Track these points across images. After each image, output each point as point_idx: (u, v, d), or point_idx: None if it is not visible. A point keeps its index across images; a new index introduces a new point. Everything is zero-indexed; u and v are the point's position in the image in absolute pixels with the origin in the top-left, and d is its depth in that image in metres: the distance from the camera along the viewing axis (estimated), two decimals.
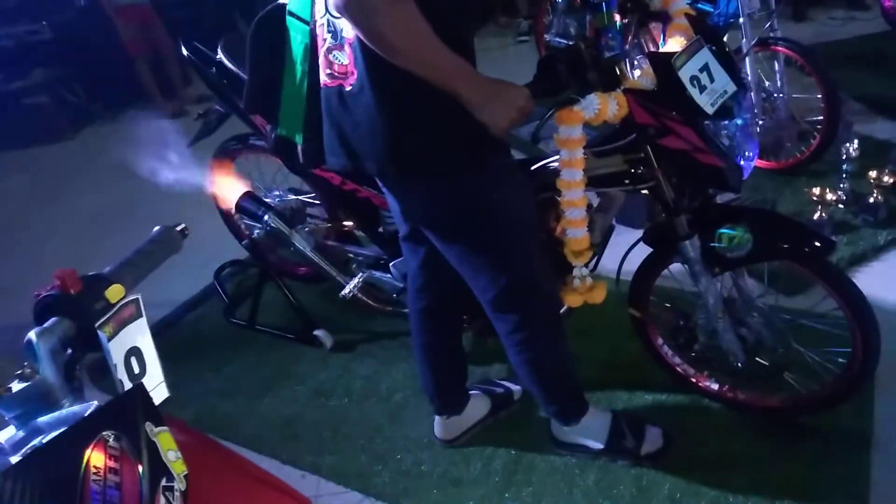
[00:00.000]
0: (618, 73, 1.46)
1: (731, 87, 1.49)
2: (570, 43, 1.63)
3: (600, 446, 1.86)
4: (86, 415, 0.61)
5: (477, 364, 2.21)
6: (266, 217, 2.30)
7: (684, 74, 1.43)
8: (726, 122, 1.51)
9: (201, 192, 2.55)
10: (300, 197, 2.47)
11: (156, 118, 5.29)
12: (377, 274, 2.30)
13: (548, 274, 1.66)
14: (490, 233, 1.52)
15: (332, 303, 2.66)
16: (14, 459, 0.58)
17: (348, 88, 1.38)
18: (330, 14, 1.37)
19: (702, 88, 1.45)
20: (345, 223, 2.34)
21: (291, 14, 1.50)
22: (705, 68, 1.47)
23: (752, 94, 2.66)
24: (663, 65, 1.43)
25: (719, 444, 1.87)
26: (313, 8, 1.46)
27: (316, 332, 2.47)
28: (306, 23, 1.48)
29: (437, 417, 2.00)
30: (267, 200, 2.39)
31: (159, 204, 2.96)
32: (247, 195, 2.32)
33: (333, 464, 2.03)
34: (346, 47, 1.36)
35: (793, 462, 1.78)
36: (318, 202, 2.43)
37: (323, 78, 1.44)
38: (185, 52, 2.35)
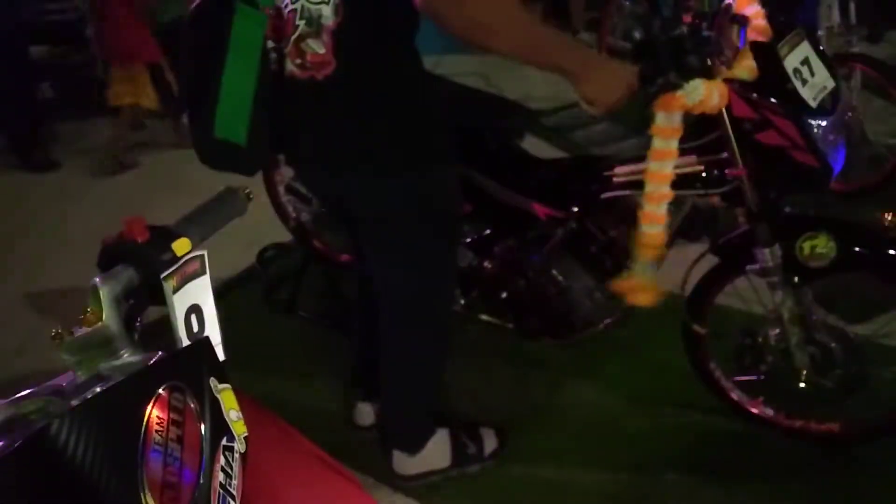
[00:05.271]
0: (709, 63, 1.40)
1: (831, 83, 1.44)
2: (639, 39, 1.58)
3: (447, 464, 1.81)
4: (150, 363, 0.57)
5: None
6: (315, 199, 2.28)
7: (787, 66, 1.37)
8: (822, 118, 1.44)
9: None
10: None
11: None
12: None
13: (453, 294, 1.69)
14: (426, 229, 1.50)
15: None
16: (75, 403, 0.54)
17: (320, 79, 1.33)
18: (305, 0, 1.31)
19: (803, 82, 1.39)
20: None
21: (244, 0, 1.33)
22: (806, 62, 1.41)
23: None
24: (768, 53, 1.37)
25: (771, 470, 1.78)
26: None
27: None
28: (262, 10, 1.35)
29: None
30: None
31: (206, 183, 2.95)
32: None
33: (356, 451, 1.98)
34: (325, 35, 1.30)
35: (850, 491, 1.69)
36: None
37: (290, 68, 1.37)
38: None
